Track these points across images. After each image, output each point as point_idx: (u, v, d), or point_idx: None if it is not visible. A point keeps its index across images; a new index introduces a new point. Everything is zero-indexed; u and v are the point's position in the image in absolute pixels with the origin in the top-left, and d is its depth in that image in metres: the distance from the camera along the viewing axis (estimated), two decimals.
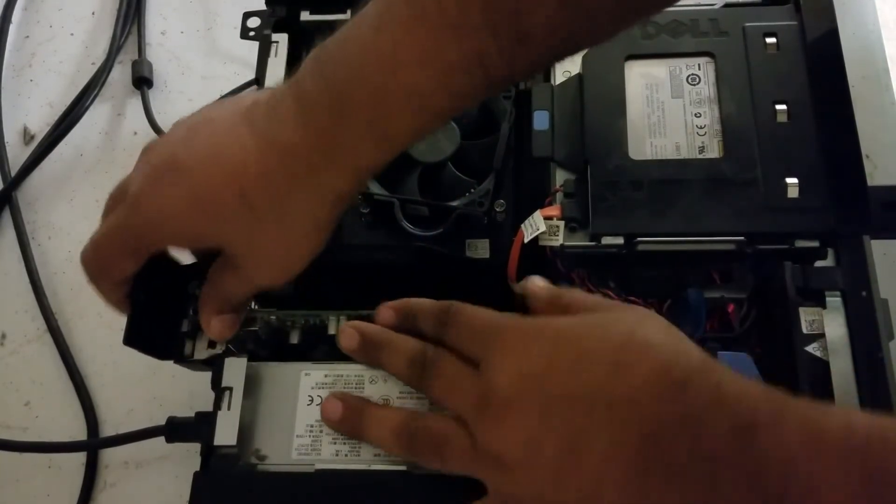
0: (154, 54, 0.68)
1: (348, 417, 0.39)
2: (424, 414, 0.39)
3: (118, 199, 0.39)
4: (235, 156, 0.37)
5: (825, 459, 0.28)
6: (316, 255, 0.39)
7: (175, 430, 0.42)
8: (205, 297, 0.41)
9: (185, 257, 0.44)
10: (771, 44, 0.45)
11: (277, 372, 0.41)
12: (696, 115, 0.44)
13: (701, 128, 0.44)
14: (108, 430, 0.54)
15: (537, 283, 0.40)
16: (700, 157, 0.43)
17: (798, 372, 0.38)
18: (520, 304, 0.47)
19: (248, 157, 0.36)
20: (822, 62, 0.44)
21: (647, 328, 0.34)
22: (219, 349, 0.42)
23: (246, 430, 0.39)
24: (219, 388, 0.40)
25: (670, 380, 0.32)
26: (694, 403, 0.31)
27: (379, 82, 0.34)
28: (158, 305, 0.42)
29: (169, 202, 0.37)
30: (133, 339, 0.41)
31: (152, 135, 0.63)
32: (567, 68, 0.48)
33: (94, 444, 0.53)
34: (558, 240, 0.43)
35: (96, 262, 0.40)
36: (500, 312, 0.38)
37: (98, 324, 0.57)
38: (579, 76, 0.46)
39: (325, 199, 0.37)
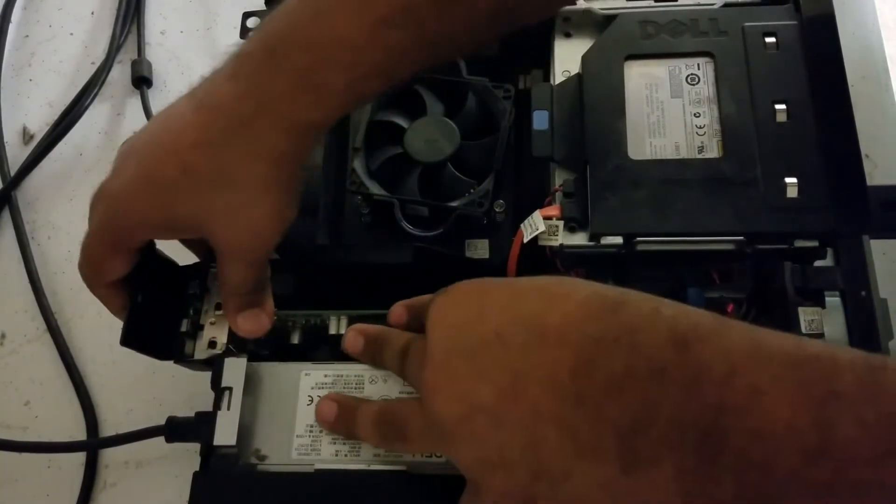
0: (154, 54, 0.68)
1: (342, 417, 0.38)
2: (397, 400, 0.38)
3: (94, 202, 0.40)
4: (174, 128, 0.37)
5: (769, 370, 0.26)
6: (285, 221, 0.38)
7: (175, 430, 0.42)
8: (222, 300, 0.41)
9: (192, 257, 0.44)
10: (770, 43, 0.45)
11: (277, 372, 0.41)
12: (695, 114, 0.44)
13: (700, 127, 0.44)
14: (107, 429, 0.54)
15: None
16: (699, 156, 0.43)
17: None
18: None
19: (185, 126, 0.36)
20: (822, 62, 0.44)
21: (577, 279, 0.34)
22: (219, 349, 0.42)
23: (246, 430, 0.39)
24: (219, 388, 0.40)
25: (604, 302, 0.30)
26: (630, 321, 0.29)
27: (309, 33, 0.35)
28: (157, 306, 0.42)
29: (124, 187, 0.38)
30: (130, 339, 0.40)
31: None
32: (567, 68, 0.48)
33: (93, 444, 0.53)
34: (558, 240, 0.43)
35: (86, 266, 0.40)
36: None
37: (98, 324, 0.57)
38: (579, 76, 0.46)
39: (262, 156, 0.36)
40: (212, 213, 0.37)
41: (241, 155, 0.36)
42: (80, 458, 0.52)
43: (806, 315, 0.39)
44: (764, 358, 0.27)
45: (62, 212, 0.62)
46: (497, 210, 0.47)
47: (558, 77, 0.47)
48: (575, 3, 0.47)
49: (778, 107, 0.43)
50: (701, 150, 0.43)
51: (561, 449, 0.30)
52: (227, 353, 0.42)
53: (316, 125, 0.37)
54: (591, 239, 0.42)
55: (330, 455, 0.39)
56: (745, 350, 0.27)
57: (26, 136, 0.65)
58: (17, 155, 0.64)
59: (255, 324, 0.41)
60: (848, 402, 0.25)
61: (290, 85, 0.35)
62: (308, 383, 0.41)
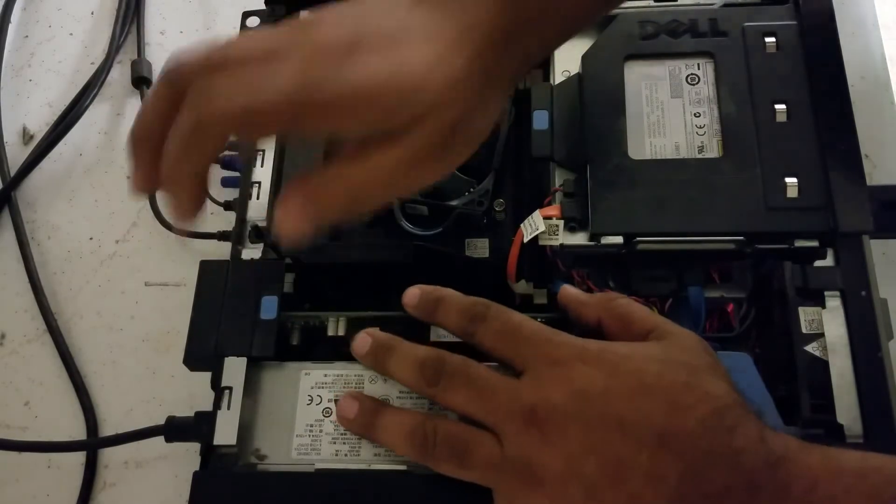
0: (153, 54, 0.68)
1: (361, 416, 0.38)
2: (441, 417, 0.37)
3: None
4: (421, 31, 0.33)
5: (843, 482, 0.31)
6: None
7: (174, 429, 0.42)
8: (288, 185, 0.34)
9: None
10: (770, 43, 0.45)
11: (277, 372, 0.41)
12: (695, 114, 0.44)
13: (700, 127, 0.44)
14: (107, 429, 0.53)
15: (576, 292, 0.41)
16: (699, 156, 0.43)
17: (797, 371, 0.38)
18: (520, 305, 0.47)
19: (435, 32, 0.33)
20: (822, 62, 0.44)
21: (707, 377, 0.35)
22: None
23: (246, 430, 0.39)
24: (219, 388, 0.40)
25: (721, 423, 0.33)
26: (738, 443, 0.33)
27: None
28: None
29: (370, 73, 0.32)
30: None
31: None
32: (567, 68, 0.48)
33: (93, 444, 0.53)
34: (558, 239, 0.43)
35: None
36: (542, 324, 0.38)
37: (98, 324, 0.57)
38: (579, 76, 0.46)
39: (520, 60, 0.36)
40: (466, 100, 0.33)
41: (502, 57, 0.34)
42: (79, 457, 0.52)
43: (806, 315, 0.39)
44: (837, 471, 0.32)
45: (62, 212, 0.62)
46: (497, 209, 0.47)
47: (558, 77, 0.47)
48: None
49: (778, 107, 0.43)
50: (701, 150, 0.44)
51: None
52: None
53: (555, 41, 0.39)
54: (591, 239, 0.42)
55: (330, 455, 0.39)
56: (822, 466, 0.32)
57: (26, 137, 0.65)
58: (16, 155, 0.64)
59: (308, 223, 0.33)
60: None
61: (541, 9, 0.36)
62: (308, 383, 0.41)
